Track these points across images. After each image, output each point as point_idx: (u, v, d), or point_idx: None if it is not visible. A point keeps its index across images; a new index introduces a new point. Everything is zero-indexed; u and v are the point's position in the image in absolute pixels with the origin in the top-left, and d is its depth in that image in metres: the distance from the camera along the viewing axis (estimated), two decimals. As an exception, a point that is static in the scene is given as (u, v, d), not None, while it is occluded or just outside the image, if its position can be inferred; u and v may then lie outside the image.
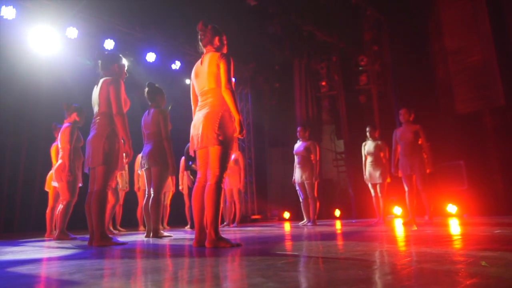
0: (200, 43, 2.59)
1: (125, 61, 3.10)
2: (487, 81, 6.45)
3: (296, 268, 1.46)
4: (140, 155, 5.38)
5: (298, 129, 5.70)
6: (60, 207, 3.93)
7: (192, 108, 2.63)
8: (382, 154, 5.41)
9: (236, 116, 2.33)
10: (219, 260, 1.73)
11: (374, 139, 5.49)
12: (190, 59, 7.55)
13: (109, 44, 6.17)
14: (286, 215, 8.28)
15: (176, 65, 7.37)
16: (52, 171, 4.24)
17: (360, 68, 8.24)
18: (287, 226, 5.29)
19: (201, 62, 2.54)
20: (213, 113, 2.36)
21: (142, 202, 5.36)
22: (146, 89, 3.85)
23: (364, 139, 5.69)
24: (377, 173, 5.29)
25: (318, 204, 5.46)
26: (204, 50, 2.58)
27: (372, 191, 5.45)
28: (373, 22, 7.87)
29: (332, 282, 1.12)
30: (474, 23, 6.63)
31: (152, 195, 3.63)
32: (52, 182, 4.11)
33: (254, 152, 9.15)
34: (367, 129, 5.59)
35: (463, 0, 6.82)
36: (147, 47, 6.81)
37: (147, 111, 3.85)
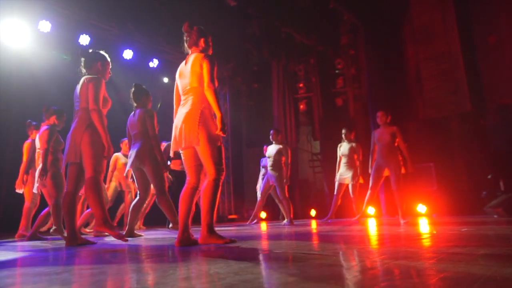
0: (185, 44, 2.60)
1: (109, 60, 3.07)
2: (455, 87, 6.77)
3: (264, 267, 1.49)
4: (118, 154, 5.31)
5: (271, 132, 5.80)
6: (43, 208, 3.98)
7: (174, 107, 2.62)
8: (355, 156, 5.58)
9: (217, 114, 2.33)
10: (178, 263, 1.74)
11: (349, 141, 5.65)
12: (168, 57, 7.47)
13: (84, 39, 6.00)
14: (263, 215, 8.32)
15: (154, 63, 7.27)
16: (21, 173, 4.29)
17: (337, 71, 8.42)
18: (263, 226, 5.34)
19: (186, 62, 2.56)
20: (193, 111, 2.37)
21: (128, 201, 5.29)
22: (132, 89, 3.81)
23: (340, 140, 5.86)
24: (350, 174, 5.47)
25: (291, 204, 5.55)
26: (190, 51, 2.59)
27: (336, 190, 5.62)
28: (349, 27, 8.07)
29: (306, 279, 1.16)
30: (443, 31, 6.94)
31: (141, 195, 3.63)
32: (34, 190, 4.06)
33: (231, 152, 9.15)
34: (343, 131, 5.74)
35: (434, 8, 7.13)
36: (124, 44, 6.67)
37: (132, 112, 3.82)
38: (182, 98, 2.52)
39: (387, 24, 7.66)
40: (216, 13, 6.87)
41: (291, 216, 5.45)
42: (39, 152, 4.05)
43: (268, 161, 5.67)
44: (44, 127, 3.98)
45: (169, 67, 7.53)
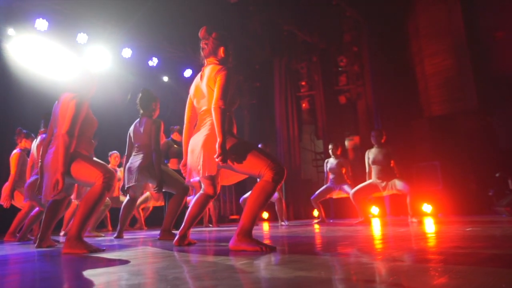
0: (202, 53, 2.25)
1: (95, 76, 2.66)
2: (461, 84, 6.60)
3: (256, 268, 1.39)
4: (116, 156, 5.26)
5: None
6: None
7: (185, 124, 2.34)
8: (344, 170, 5.45)
9: (218, 138, 1.95)
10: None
11: (336, 157, 5.53)
12: (169, 56, 7.40)
13: (82, 38, 5.94)
14: (265, 215, 8.21)
15: (153, 61, 7.19)
16: (9, 188, 3.95)
17: (340, 69, 8.29)
18: (265, 226, 5.23)
19: (201, 77, 2.21)
20: (213, 137, 2.03)
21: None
22: (140, 95, 3.53)
23: (342, 139, 5.74)
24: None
25: (284, 204, 5.51)
26: (205, 62, 2.24)
27: (319, 198, 5.49)
28: (352, 24, 7.94)
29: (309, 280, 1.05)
30: (449, 26, 6.77)
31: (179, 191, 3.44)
32: (24, 200, 3.80)
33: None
34: (330, 146, 5.65)
35: (439, 3, 6.97)
36: (122, 42, 6.60)
37: (137, 120, 3.54)
38: (199, 120, 2.21)
39: (390, 20, 7.51)
40: (217, 10, 6.78)
41: (285, 216, 5.39)
42: (33, 161, 3.81)
43: None
44: (43, 135, 3.78)
45: (169, 65, 7.46)
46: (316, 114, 8.56)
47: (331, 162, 5.50)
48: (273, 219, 7.94)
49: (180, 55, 7.43)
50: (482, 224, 3.20)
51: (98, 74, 2.75)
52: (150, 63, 7.20)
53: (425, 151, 6.70)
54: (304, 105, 8.63)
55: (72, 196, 4.01)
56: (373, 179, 4.70)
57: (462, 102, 6.53)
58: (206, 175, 2.04)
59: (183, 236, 2.37)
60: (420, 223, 3.90)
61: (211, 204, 5.92)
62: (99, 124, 2.59)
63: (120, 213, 3.59)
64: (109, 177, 2.27)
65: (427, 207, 6.23)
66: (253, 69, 9.18)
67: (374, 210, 7.01)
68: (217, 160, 1.94)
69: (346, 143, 8.38)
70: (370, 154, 4.76)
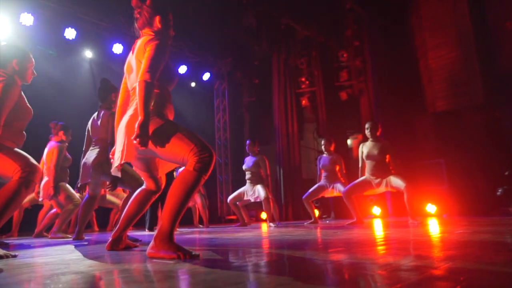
0: (135, 24, 1.99)
1: (30, 58, 2.32)
2: (467, 78, 6.26)
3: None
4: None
5: (247, 142, 5.48)
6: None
7: (117, 106, 2.11)
8: (337, 168, 5.17)
9: (140, 116, 1.67)
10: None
11: (329, 153, 5.24)
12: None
13: (70, 33, 5.74)
14: (263, 215, 7.96)
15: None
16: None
17: (341, 64, 8.01)
18: (264, 227, 4.97)
19: (132, 50, 1.95)
20: (137, 118, 1.72)
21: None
22: (99, 86, 3.35)
23: (345, 137, 5.45)
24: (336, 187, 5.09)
25: (272, 203, 5.29)
26: (141, 34, 1.98)
27: (311, 197, 5.19)
28: (353, 16, 7.64)
29: None
30: (454, 17, 6.44)
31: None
32: (40, 198, 4.10)
33: (230, 150, 8.81)
34: (322, 142, 5.34)
35: (444, -7, 6.64)
36: (114, 38, 6.38)
37: (96, 113, 3.36)
38: (131, 99, 1.94)
39: (393, 12, 7.20)
40: (208, 3, 6.53)
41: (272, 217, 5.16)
42: (48, 166, 3.98)
43: (246, 175, 5.41)
44: (52, 142, 4.05)
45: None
46: (317, 111, 8.29)
47: (324, 158, 5.22)
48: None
49: (176, 52, 7.20)
50: (490, 226, 2.90)
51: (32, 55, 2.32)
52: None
53: (430, 149, 6.39)
54: (304, 102, 8.35)
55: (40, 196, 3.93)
56: (366, 175, 4.37)
57: (468, 97, 6.20)
58: (122, 162, 1.75)
59: (117, 239, 2.08)
60: (422, 224, 3.60)
61: (199, 203, 5.67)
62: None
63: (79, 213, 3.37)
64: (28, 172, 1.98)
65: (431, 208, 5.92)
66: (252, 65, 8.92)
67: (376, 210, 6.72)
68: (134, 142, 1.64)
69: (350, 141, 8.08)
70: (364, 148, 4.41)
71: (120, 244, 2.09)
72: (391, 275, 1.10)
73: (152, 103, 1.77)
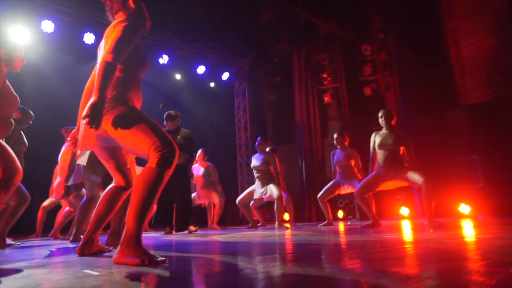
0: (108, 14, 1.93)
1: (19, 46, 2.43)
2: (503, 66, 5.72)
3: None
4: None
5: (258, 139, 5.27)
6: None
7: (84, 91, 1.98)
8: (353, 163, 4.85)
9: (93, 96, 1.57)
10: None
11: (343, 147, 4.94)
12: (180, 53, 7.20)
13: (89, 38, 5.86)
14: (286, 216, 7.75)
15: (164, 59, 7.01)
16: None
17: (365, 58, 7.65)
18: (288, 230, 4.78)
19: (104, 35, 1.88)
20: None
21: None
22: None
23: (368, 133, 5.11)
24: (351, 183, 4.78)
25: (284, 203, 5.24)
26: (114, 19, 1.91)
27: (326, 195, 4.92)
28: (377, 7, 7.27)
29: None
30: (488, 1, 5.92)
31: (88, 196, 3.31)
32: (53, 198, 4.39)
33: (251, 150, 8.68)
34: (334, 136, 5.05)
35: (476, -24, 6.12)
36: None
37: None
38: None
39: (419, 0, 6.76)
40: (228, 3, 6.44)
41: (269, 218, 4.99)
42: (62, 167, 4.10)
43: (254, 173, 5.22)
44: (67, 144, 4.13)
45: (181, 63, 7.26)
46: (340, 107, 7.98)
47: (338, 153, 4.94)
48: (299, 219, 7.41)
49: (193, 52, 7.21)
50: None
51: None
52: (161, 60, 7.02)
53: (463, 144, 5.90)
54: (326, 98, 8.05)
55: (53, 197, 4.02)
56: (377, 167, 3.99)
57: (505, 87, 5.66)
58: (79, 151, 1.67)
59: (88, 242, 1.95)
60: (443, 228, 3.22)
61: (218, 203, 5.36)
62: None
63: (76, 215, 3.37)
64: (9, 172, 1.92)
65: (465, 208, 5.46)
66: (273, 63, 8.75)
67: (404, 211, 6.33)
68: (83, 121, 1.52)
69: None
70: (377, 137, 4.02)
71: (91, 248, 1.98)
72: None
73: (117, 88, 1.69)
